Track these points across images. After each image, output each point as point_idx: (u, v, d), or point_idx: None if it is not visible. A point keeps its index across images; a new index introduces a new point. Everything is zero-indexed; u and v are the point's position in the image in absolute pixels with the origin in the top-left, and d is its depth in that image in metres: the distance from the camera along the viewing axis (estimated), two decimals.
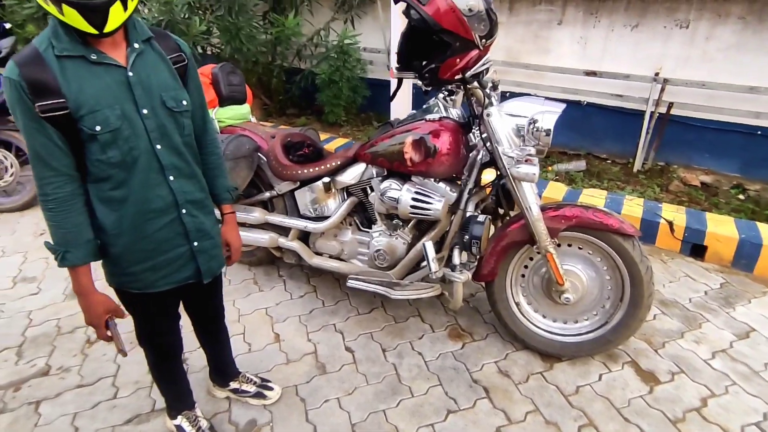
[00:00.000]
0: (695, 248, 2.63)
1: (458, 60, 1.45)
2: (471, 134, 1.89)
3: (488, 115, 1.68)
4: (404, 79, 1.66)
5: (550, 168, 3.62)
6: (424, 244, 1.74)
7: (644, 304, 1.77)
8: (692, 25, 3.11)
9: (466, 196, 1.88)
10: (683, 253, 2.66)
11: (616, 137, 3.64)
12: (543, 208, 1.79)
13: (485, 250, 1.90)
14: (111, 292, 1.29)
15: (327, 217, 2.15)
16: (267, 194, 2.30)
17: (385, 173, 1.99)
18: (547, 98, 1.79)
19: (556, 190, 3.05)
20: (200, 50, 3.58)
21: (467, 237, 1.67)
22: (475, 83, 1.63)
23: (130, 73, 1.12)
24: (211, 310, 1.61)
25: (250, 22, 3.57)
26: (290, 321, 2.22)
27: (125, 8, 1.05)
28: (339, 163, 2.09)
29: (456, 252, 1.77)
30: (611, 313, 1.87)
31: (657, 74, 3.23)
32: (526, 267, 1.96)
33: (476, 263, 1.94)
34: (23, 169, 3.29)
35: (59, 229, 1.13)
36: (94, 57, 1.08)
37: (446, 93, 1.58)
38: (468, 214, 1.80)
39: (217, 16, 3.45)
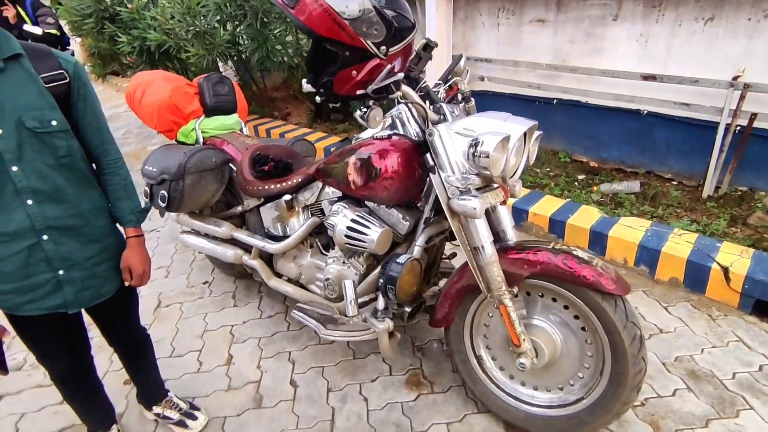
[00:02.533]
0: (760, 305, 2.03)
1: (354, 72, 1.21)
2: (428, 155, 1.62)
3: (430, 134, 1.41)
4: None
5: (594, 188, 3.11)
6: (344, 283, 1.52)
7: (628, 384, 1.35)
8: None
9: (422, 226, 1.62)
10: (743, 309, 2.07)
11: (683, 154, 3.01)
12: (505, 249, 1.46)
13: (442, 293, 1.62)
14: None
15: (288, 237, 2.00)
16: (239, 209, 2.23)
17: (341, 194, 1.79)
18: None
19: (586, 217, 2.58)
20: (233, 59, 3.65)
21: (382, 280, 1.41)
22: (413, 95, 1.36)
23: None
24: (122, 335, 1.54)
25: (284, 30, 3.56)
26: (249, 343, 2.12)
27: None
28: (300, 180, 1.93)
29: (380, 296, 1.52)
30: (590, 387, 1.47)
31: (736, 78, 2.58)
32: (491, 315, 1.63)
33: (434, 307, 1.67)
34: None
35: None
36: None
37: (363, 109, 1.33)
38: (413, 254, 1.53)
39: (246, 25, 3.49)
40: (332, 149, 1.86)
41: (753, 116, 2.58)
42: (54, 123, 1.15)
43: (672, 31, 2.81)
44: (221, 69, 5.58)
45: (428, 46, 1.43)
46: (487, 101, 3.82)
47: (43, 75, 1.15)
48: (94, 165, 1.32)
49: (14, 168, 1.11)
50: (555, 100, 3.45)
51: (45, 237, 1.18)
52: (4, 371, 1.27)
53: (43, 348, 1.37)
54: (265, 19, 3.48)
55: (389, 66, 1.22)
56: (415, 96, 1.37)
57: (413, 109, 1.48)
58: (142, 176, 2.19)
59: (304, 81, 1.31)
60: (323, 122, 5.11)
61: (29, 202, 1.15)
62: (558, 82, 3.38)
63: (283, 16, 3.72)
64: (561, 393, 1.54)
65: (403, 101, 1.37)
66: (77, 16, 4.07)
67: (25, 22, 3.81)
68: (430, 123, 1.43)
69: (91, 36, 3.93)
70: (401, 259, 1.41)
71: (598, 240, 2.45)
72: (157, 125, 2.27)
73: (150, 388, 1.70)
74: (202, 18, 3.25)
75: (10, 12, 3.79)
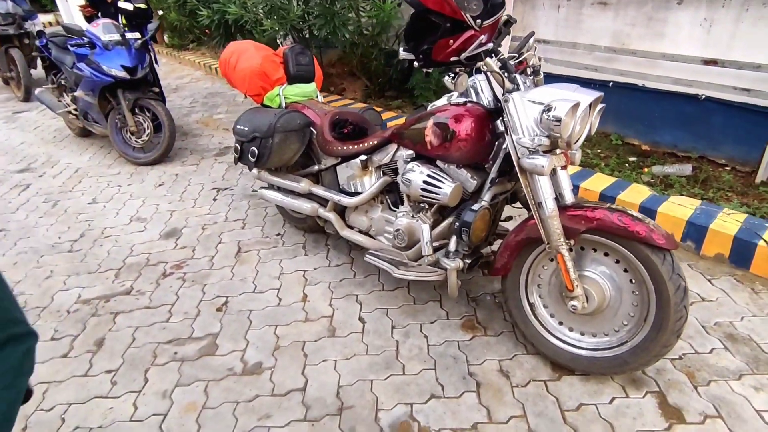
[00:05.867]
0: None
1: (451, 41, 1.41)
2: (499, 121, 1.81)
3: (506, 101, 1.60)
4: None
5: (646, 169, 3.20)
6: (421, 227, 1.75)
7: (669, 329, 1.54)
8: None
9: (487, 185, 1.83)
10: None
11: (739, 140, 3.05)
12: (566, 206, 1.65)
13: (503, 243, 1.83)
14: None
15: (361, 193, 2.25)
16: (316, 167, 2.49)
17: (414, 155, 2.02)
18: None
19: (636, 194, 2.70)
20: (298, 34, 3.89)
21: (457, 224, 1.63)
22: (493, 65, 1.55)
23: None
24: None
25: (348, 6, 3.76)
26: (321, 285, 2.40)
27: None
28: (376, 142, 2.17)
29: (453, 239, 1.74)
30: (634, 332, 1.66)
31: None
32: (545, 267, 1.83)
33: (494, 256, 1.88)
34: (155, 133, 4.02)
35: None
36: None
37: (452, 75, 1.53)
38: (484, 203, 1.74)
39: (316, 2, 3.72)
40: (388, 123, 2.08)
41: None
42: None
43: (738, 16, 2.83)
44: (280, 45, 5.86)
45: (508, 22, 1.61)
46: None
47: None
48: None
49: None
50: (611, 83, 3.52)
51: None
52: None
53: None
54: None
55: (482, 37, 1.42)
56: (494, 66, 1.56)
57: (490, 78, 1.67)
58: (234, 134, 2.49)
59: (401, 49, 1.52)
60: (377, 98, 5.33)
61: None
62: (615, 65, 3.45)
63: None
64: (606, 338, 1.73)
65: (484, 70, 1.56)
66: None
67: None
68: (505, 91, 1.63)
69: (174, 10, 4.28)
70: (475, 207, 1.63)
71: (647, 215, 2.56)
72: (248, 90, 2.55)
73: None
74: None
75: None
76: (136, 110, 3.98)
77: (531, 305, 1.87)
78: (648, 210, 2.56)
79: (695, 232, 2.41)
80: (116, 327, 2.20)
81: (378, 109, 4.88)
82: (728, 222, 2.36)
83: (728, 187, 2.89)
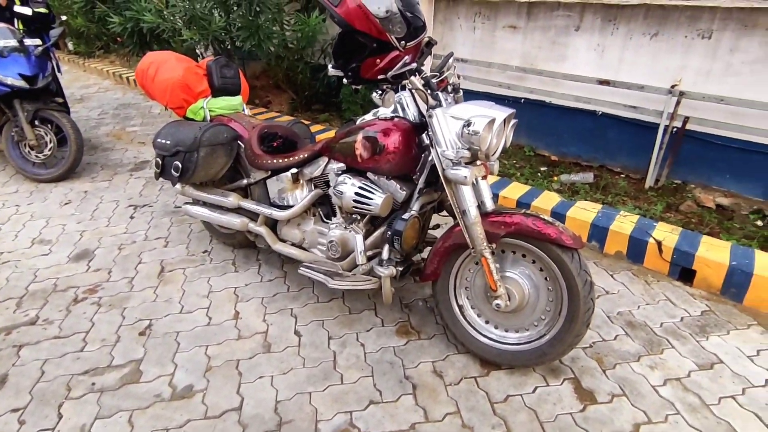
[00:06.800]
0: (686, 272, 2.47)
1: (378, 60, 1.50)
2: (424, 135, 1.91)
3: (430, 116, 1.71)
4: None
5: (555, 178, 3.52)
6: (354, 237, 1.80)
7: (580, 320, 1.71)
8: (715, 36, 2.90)
9: (416, 195, 1.92)
10: (671, 276, 2.51)
11: (630, 151, 3.47)
12: (487, 213, 1.78)
13: (432, 250, 1.93)
14: None
15: (292, 206, 2.25)
16: (245, 181, 2.45)
17: (345, 168, 2.06)
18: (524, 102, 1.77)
19: (548, 200, 2.97)
20: (220, 46, 3.80)
21: (389, 233, 1.70)
22: (417, 83, 1.65)
23: None
24: None
25: (272, 20, 3.75)
26: (253, 301, 2.35)
27: None
28: (306, 156, 2.18)
29: (386, 247, 1.81)
30: (551, 325, 1.82)
31: (674, 86, 3.04)
32: (471, 270, 1.95)
33: (425, 263, 1.97)
34: (59, 147, 3.69)
35: None
36: None
37: (379, 92, 1.61)
38: (413, 212, 1.83)
39: (239, 14, 3.67)
40: (317, 136, 2.11)
41: (686, 119, 3.05)
42: None
43: (624, 44, 3.25)
44: (201, 56, 5.66)
45: (430, 43, 1.73)
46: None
47: None
48: None
49: None
50: (522, 100, 3.84)
51: None
52: None
53: None
54: (257, 9, 3.67)
55: (406, 57, 1.51)
56: (418, 84, 1.67)
57: (415, 95, 1.77)
58: (154, 148, 2.38)
59: (330, 66, 1.57)
60: (304, 111, 5.33)
61: None
62: (525, 83, 3.77)
63: (272, 8, 3.90)
64: (527, 332, 1.88)
65: (409, 87, 1.66)
66: None
67: (15, 3, 3.83)
68: (429, 107, 1.73)
69: (81, 15, 3.97)
70: (406, 216, 1.71)
71: (557, 219, 2.82)
72: (169, 102, 2.45)
73: None
74: (197, 4, 3.40)
75: None
76: (37, 122, 3.63)
77: (460, 307, 1.98)
78: (558, 214, 2.82)
79: (598, 233, 2.70)
80: (21, 361, 1.99)
81: (306, 122, 4.90)
82: (625, 223, 2.68)
83: (624, 192, 3.27)
